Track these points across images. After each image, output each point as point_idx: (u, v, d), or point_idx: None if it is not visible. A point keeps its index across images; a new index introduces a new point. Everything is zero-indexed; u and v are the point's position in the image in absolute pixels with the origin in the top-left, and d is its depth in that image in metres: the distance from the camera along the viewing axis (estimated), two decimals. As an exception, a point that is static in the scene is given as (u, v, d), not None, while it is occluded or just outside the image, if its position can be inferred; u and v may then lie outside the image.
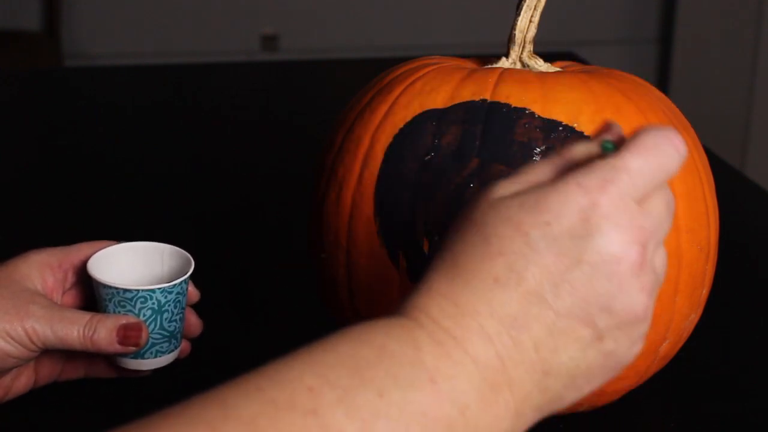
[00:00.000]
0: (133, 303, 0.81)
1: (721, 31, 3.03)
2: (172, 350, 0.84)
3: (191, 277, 0.84)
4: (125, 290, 0.81)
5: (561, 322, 0.56)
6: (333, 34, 3.04)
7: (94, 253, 0.84)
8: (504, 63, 0.90)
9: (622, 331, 0.57)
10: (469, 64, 0.89)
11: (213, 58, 2.86)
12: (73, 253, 0.84)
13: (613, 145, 0.59)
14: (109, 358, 0.84)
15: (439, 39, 3.05)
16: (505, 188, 0.58)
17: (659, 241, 0.58)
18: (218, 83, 1.77)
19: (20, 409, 0.85)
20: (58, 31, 2.83)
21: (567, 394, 0.58)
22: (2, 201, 1.30)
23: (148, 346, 0.82)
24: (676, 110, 0.89)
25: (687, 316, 0.86)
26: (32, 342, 0.79)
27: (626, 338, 0.58)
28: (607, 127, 0.62)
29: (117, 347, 0.80)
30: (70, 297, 0.85)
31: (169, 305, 0.82)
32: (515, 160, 0.81)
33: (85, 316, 0.80)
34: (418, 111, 0.84)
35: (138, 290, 0.81)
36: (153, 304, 0.81)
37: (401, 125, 0.84)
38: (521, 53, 0.90)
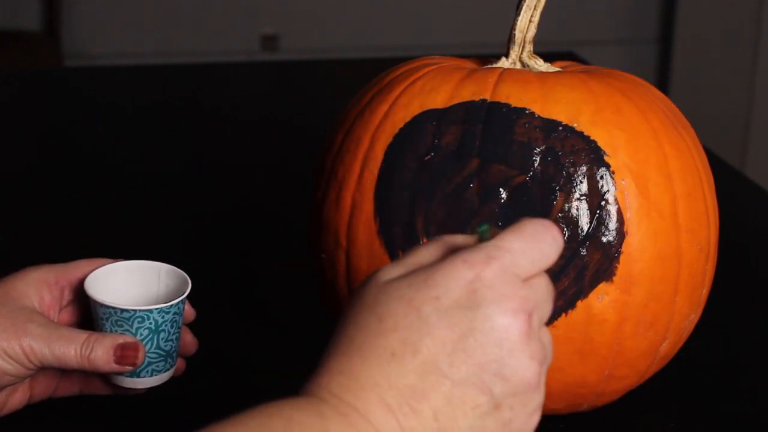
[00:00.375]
0: (130, 322, 0.80)
1: (721, 31, 3.03)
2: (168, 369, 0.83)
3: (188, 296, 0.84)
4: (123, 310, 0.80)
5: (458, 390, 0.58)
6: (333, 34, 3.04)
7: (92, 270, 0.84)
8: (504, 63, 0.90)
9: (517, 398, 0.59)
10: (469, 64, 0.89)
11: (213, 58, 2.85)
12: (70, 271, 0.84)
13: (490, 233, 0.61)
14: (105, 376, 0.84)
15: (439, 39, 3.05)
16: (392, 271, 0.61)
17: (543, 317, 0.61)
18: (218, 83, 1.77)
19: (15, 423, 0.85)
20: (58, 31, 2.83)
21: None
22: (2, 201, 1.30)
23: (144, 365, 0.81)
24: (676, 110, 0.89)
25: (687, 316, 0.86)
26: (29, 360, 0.78)
27: (522, 408, 0.59)
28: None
29: (114, 367, 0.79)
30: (67, 314, 0.85)
31: (166, 325, 0.81)
32: (515, 160, 0.81)
33: (83, 335, 0.79)
34: (418, 111, 0.84)
35: (135, 310, 0.80)
36: (150, 323, 0.81)
37: (401, 125, 0.84)
38: (521, 53, 0.90)
